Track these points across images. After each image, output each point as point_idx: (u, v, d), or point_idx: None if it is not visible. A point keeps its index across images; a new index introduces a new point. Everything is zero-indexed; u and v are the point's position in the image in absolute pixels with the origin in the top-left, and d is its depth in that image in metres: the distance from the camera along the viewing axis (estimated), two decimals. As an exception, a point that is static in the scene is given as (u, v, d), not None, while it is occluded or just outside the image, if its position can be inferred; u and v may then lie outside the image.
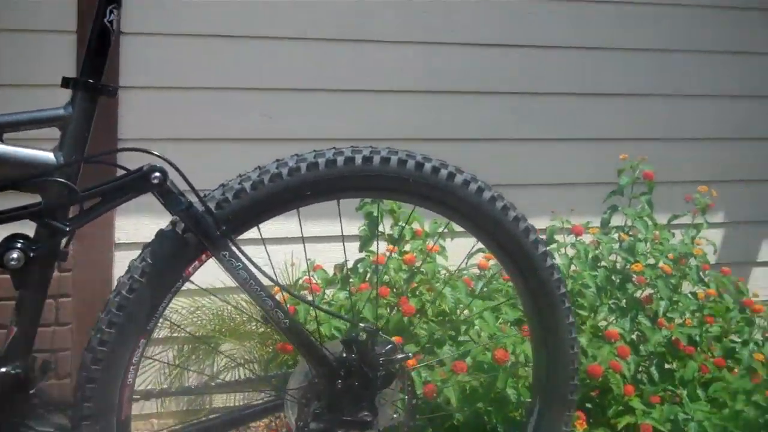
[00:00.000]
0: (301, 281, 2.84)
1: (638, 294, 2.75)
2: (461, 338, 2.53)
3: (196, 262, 1.51)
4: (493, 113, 3.39)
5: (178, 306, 2.89)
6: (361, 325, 1.62)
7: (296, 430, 1.59)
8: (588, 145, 3.52)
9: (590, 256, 2.77)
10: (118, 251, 2.99)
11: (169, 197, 1.46)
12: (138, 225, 2.91)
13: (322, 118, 3.16)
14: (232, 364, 2.94)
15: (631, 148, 3.15)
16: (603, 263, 2.78)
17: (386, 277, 2.67)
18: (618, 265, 2.81)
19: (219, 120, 3.06)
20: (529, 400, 1.81)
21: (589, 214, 3.07)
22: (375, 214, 2.66)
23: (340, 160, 1.54)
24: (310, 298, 2.61)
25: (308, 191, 1.53)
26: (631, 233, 2.89)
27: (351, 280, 2.73)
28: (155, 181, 1.44)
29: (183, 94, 3.03)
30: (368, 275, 2.72)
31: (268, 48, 3.11)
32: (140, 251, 1.50)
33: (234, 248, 1.50)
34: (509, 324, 2.53)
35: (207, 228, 1.47)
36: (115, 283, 1.50)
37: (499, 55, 3.37)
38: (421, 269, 2.65)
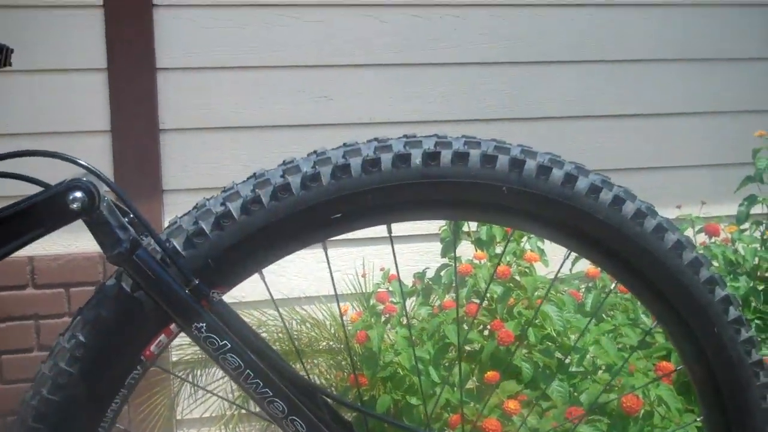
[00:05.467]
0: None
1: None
2: (572, 369, 1.79)
3: (162, 336, 0.81)
4: (584, 83, 2.72)
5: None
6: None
7: None
8: (703, 120, 2.82)
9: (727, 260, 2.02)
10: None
11: (103, 231, 0.75)
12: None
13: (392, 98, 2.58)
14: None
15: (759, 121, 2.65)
16: (744, 268, 2.02)
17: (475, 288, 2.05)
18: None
19: (268, 103, 2.50)
20: None
21: (711, 202, 2.51)
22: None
23: (386, 159, 0.82)
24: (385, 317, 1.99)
25: (336, 212, 0.81)
26: (775, 230, 2.24)
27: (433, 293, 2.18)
28: (75, 206, 0.75)
29: (229, 74, 2.47)
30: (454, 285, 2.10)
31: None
32: (69, 322, 0.80)
33: (213, 314, 0.79)
34: (629, 349, 1.80)
35: (167, 284, 0.75)
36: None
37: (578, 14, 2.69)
38: (518, 281, 1.98)
